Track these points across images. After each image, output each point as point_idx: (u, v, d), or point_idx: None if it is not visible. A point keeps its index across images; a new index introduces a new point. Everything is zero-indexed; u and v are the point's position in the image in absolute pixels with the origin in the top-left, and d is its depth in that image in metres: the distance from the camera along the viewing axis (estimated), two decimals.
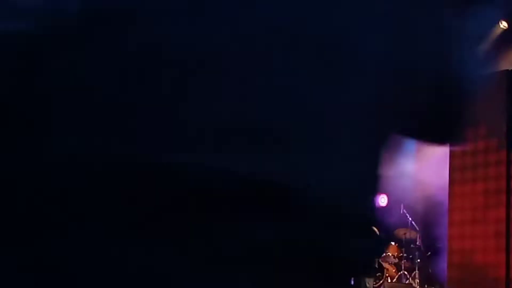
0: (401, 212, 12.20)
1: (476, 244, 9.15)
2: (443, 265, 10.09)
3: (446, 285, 9.63)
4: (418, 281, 11.40)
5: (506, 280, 8.36)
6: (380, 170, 1.10)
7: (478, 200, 9.17)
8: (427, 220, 12.01)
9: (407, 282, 11.20)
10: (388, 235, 12.01)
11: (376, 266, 10.29)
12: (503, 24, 9.44)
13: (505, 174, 8.75)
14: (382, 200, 13.55)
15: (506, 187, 8.69)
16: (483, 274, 8.95)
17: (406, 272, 11.52)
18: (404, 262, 11.60)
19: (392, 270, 11.51)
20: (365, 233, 1.00)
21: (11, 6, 0.89)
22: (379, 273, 10.91)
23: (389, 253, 11.67)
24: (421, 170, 12.02)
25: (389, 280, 11.15)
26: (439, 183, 10.25)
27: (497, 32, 9.34)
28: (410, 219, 12.08)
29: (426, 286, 11.39)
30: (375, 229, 1.04)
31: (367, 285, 9.89)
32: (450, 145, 1.55)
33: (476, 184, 9.27)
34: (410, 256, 11.80)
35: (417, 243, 11.91)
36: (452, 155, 9.63)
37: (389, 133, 1.11)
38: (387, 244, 11.80)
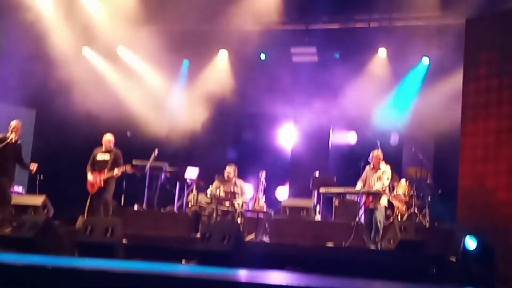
0: (413, 150, 12.14)
1: (488, 183, 9.10)
2: (453, 203, 10.07)
3: (456, 222, 9.61)
4: (428, 218, 11.43)
5: None
6: None
7: (491, 138, 9.08)
8: (439, 158, 11.94)
9: (417, 219, 11.21)
10: (399, 173, 12.01)
11: (386, 204, 10.30)
12: None
13: None
14: (393, 139, 13.51)
15: None
16: (493, 211, 8.95)
17: (416, 210, 11.54)
18: (415, 200, 11.61)
19: (403, 208, 11.54)
20: None
21: None
22: (389, 211, 10.93)
23: (400, 191, 11.67)
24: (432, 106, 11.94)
25: (400, 218, 11.17)
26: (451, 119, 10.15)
27: None
28: (421, 157, 12.01)
29: (436, 223, 11.42)
30: None
31: (378, 224, 9.93)
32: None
33: (488, 122, 9.16)
34: (421, 194, 11.80)
35: (428, 181, 11.88)
36: (465, 93, 9.49)
37: None
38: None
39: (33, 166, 10.17)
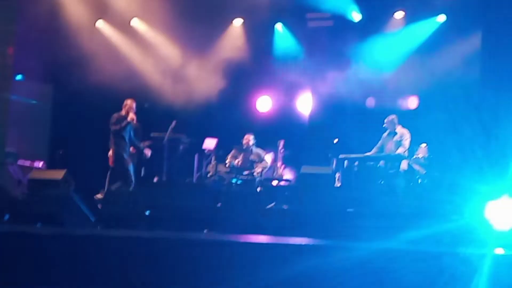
0: (432, 114, 12.01)
1: None
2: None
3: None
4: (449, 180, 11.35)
5: None
6: None
7: None
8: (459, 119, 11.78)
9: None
10: (420, 137, 11.92)
11: (406, 168, 10.24)
12: None
13: None
14: (412, 102, 13.38)
15: None
16: None
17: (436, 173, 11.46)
18: (435, 163, 11.51)
19: (423, 172, 11.45)
20: None
21: None
22: (410, 176, 10.86)
23: (419, 155, 11.58)
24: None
25: (419, 181, 11.11)
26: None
27: None
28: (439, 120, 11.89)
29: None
30: None
31: (398, 188, 9.91)
32: None
33: None
34: (440, 158, 11.70)
35: (448, 144, 11.77)
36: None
37: None
38: None
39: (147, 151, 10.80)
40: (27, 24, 12.12)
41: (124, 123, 10.40)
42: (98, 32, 13.57)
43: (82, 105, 12.88)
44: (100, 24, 13.70)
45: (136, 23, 13.80)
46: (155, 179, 12.20)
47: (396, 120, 10.32)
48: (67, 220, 7.94)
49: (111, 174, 10.45)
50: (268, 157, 12.03)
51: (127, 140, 10.50)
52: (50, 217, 7.89)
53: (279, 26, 13.96)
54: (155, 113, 12.61)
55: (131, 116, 10.40)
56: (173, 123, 12.17)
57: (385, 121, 10.45)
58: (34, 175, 10.12)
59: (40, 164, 12.50)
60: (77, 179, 10.92)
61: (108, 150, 10.59)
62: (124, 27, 13.64)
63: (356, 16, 13.24)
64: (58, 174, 11.27)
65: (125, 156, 10.44)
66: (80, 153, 12.51)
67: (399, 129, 10.25)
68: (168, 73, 13.35)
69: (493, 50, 8.84)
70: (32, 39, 12.35)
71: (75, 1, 12.98)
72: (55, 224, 7.73)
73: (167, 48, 13.69)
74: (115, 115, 10.53)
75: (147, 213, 8.58)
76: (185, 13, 12.66)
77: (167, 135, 12.13)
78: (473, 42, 10.67)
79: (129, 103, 10.58)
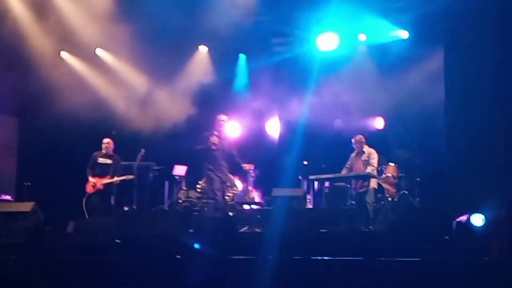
0: (399, 132, 12.19)
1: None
2: (442, 182, 10.07)
3: (447, 202, 9.60)
4: (418, 199, 11.47)
5: None
6: None
7: None
8: (425, 138, 11.95)
9: (407, 201, 11.23)
10: (387, 156, 12.05)
11: (376, 187, 10.32)
12: None
13: None
14: (378, 123, 13.54)
15: None
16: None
17: (406, 191, 11.57)
18: (404, 181, 11.63)
19: (393, 190, 11.56)
20: None
21: None
22: (379, 194, 10.95)
23: (388, 174, 11.70)
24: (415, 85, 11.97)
25: (390, 200, 11.19)
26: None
27: None
28: (408, 139, 12.06)
29: (427, 203, 11.47)
30: None
31: (368, 206, 9.97)
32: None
33: None
34: (410, 176, 11.83)
35: (416, 162, 11.93)
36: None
37: None
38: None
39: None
40: None
41: None
42: (62, 63, 13.47)
43: (49, 137, 12.74)
44: (64, 55, 13.62)
45: (101, 52, 13.76)
46: (126, 208, 12.08)
47: (363, 140, 10.44)
48: (37, 251, 7.82)
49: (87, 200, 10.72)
50: (239, 182, 12.02)
51: None
52: (20, 249, 7.75)
53: (242, 57, 14.16)
54: (123, 141, 12.53)
55: None
56: (142, 151, 12.13)
57: (352, 141, 10.56)
58: (2, 208, 9.95)
59: (7, 197, 12.30)
60: (46, 212, 10.78)
61: (80, 181, 10.79)
62: (89, 57, 13.58)
63: (321, 40, 13.40)
64: (27, 207, 11.13)
65: None
66: (49, 185, 12.34)
67: (367, 149, 10.37)
68: (135, 101, 13.29)
69: (456, 66, 8.99)
70: None
71: (38, 33, 12.89)
72: (24, 255, 7.59)
73: (133, 76, 13.66)
74: None
75: (117, 241, 8.48)
76: (149, 41, 12.68)
77: (136, 163, 12.06)
78: (437, 59, 10.83)
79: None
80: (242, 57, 14.35)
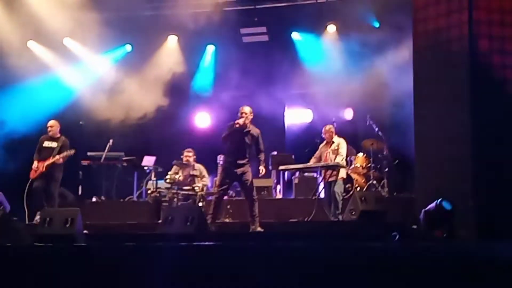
0: (367, 123, 12.26)
1: (443, 149, 9.15)
2: (410, 172, 10.15)
3: (414, 192, 9.69)
4: (387, 189, 11.57)
5: None
6: None
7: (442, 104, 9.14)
8: (393, 128, 12.04)
9: (376, 191, 11.33)
10: (356, 146, 12.11)
11: (345, 177, 10.37)
12: None
13: None
14: (348, 114, 13.62)
15: None
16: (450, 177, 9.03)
17: (375, 182, 11.67)
18: (373, 172, 11.73)
19: (361, 180, 11.64)
20: None
21: None
22: (348, 184, 11.01)
23: (357, 164, 11.77)
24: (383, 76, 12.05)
25: (359, 190, 11.26)
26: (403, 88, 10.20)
27: None
28: (376, 129, 12.15)
29: (395, 193, 11.58)
30: None
31: (337, 196, 9.99)
32: None
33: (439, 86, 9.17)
34: (378, 166, 11.93)
35: (384, 152, 12.03)
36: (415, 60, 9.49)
37: None
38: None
39: None
40: None
41: None
42: (29, 52, 13.28)
43: (15, 127, 12.55)
44: (31, 44, 13.42)
45: (69, 42, 13.58)
46: (94, 199, 11.97)
47: (333, 129, 10.48)
48: (2, 241, 7.68)
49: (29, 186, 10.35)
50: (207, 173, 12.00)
51: None
52: None
53: (210, 47, 14.09)
54: (91, 131, 12.41)
55: None
56: (110, 141, 12.02)
57: (322, 131, 10.59)
58: None
59: None
60: (14, 203, 10.62)
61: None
62: (57, 47, 13.40)
63: (290, 30, 13.43)
64: None
65: None
66: (16, 175, 12.16)
67: (336, 139, 10.41)
68: (103, 91, 13.15)
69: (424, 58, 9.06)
70: None
71: (5, 22, 12.69)
72: None
73: (101, 66, 13.53)
74: None
75: (84, 232, 8.38)
76: (118, 31, 12.56)
77: (104, 154, 11.95)
78: (406, 50, 10.91)
79: None
80: (210, 47, 14.28)
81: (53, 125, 10.66)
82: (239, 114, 9.38)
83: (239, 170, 9.23)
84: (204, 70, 14.37)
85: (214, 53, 14.29)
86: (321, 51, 13.47)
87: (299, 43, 13.74)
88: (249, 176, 9.27)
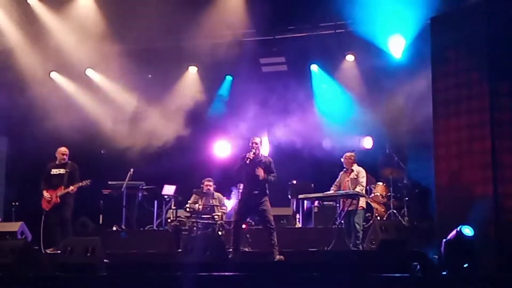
0: (387, 152, 12.25)
1: (463, 178, 9.12)
2: (431, 201, 10.10)
3: (435, 220, 9.64)
4: (407, 218, 11.50)
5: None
6: None
7: (463, 133, 9.12)
8: (413, 157, 12.00)
9: (396, 220, 11.26)
10: (375, 175, 12.08)
11: (365, 206, 10.34)
12: None
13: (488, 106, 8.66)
14: (367, 142, 13.59)
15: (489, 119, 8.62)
16: (471, 206, 8.97)
17: (395, 211, 11.62)
18: (393, 201, 11.69)
19: (381, 209, 11.60)
20: None
21: None
22: (368, 214, 10.97)
23: (377, 193, 11.73)
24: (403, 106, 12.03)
25: (379, 219, 11.22)
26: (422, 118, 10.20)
27: None
28: (396, 158, 12.12)
29: (415, 223, 11.49)
30: None
31: (358, 226, 9.95)
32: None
33: (460, 117, 9.19)
34: (398, 195, 11.88)
35: (404, 181, 11.98)
36: (435, 90, 9.54)
37: None
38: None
39: None
40: None
41: None
42: (52, 83, 13.49)
43: (37, 156, 12.68)
44: (54, 75, 13.64)
45: (91, 73, 13.79)
46: (114, 227, 12.04)
47: (352, 157, 10.47)
48: (24, 270, 7.76)
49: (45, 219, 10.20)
50: (227, 202, 12.01)
51: None
52: (7, 268, 7.70)
53: (229, 77, 14.23)
54: (112, 160, 12.53)
55: None
56: (131, 170, 12.12)
57: (342, 159, 10.59)
58: None
59: None
60: (34, 232, 10.71)
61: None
62: (79, 78, 13.61)
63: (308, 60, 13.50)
64: (14, 226, 11.09)
65: None
66: (36, 205, 12.28)
67: (356, 167, 10.40)
68: (125, 121, 13.30)
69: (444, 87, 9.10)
70: None
71: (29, 54, 12.92)
72: (12, 275, 7.54)
73: (123, 96, 13.69)
74: None
75: (106, 260, 8.43)
76: (139, 62, 12.74)
77: (125, 183, 12.05)
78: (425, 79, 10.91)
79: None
80: (228, 78, 14.41)
81: (65, 153, 10.36)
82: (250, 144, 9.44)
83: (255, 201, 9.25)
84: (223, 100, 14.47)
85: (232, 83, 14.40)
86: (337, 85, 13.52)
87: (316, 76, 13.81)
88: (266, 205, 9.29)
